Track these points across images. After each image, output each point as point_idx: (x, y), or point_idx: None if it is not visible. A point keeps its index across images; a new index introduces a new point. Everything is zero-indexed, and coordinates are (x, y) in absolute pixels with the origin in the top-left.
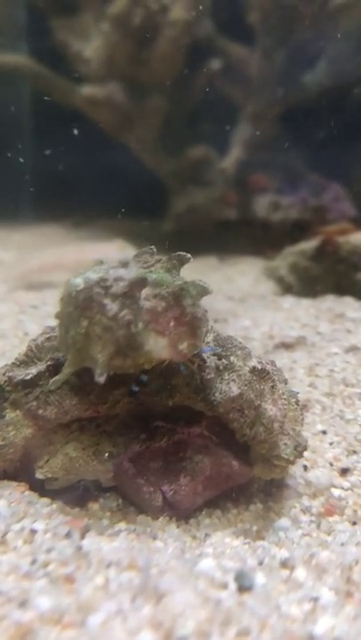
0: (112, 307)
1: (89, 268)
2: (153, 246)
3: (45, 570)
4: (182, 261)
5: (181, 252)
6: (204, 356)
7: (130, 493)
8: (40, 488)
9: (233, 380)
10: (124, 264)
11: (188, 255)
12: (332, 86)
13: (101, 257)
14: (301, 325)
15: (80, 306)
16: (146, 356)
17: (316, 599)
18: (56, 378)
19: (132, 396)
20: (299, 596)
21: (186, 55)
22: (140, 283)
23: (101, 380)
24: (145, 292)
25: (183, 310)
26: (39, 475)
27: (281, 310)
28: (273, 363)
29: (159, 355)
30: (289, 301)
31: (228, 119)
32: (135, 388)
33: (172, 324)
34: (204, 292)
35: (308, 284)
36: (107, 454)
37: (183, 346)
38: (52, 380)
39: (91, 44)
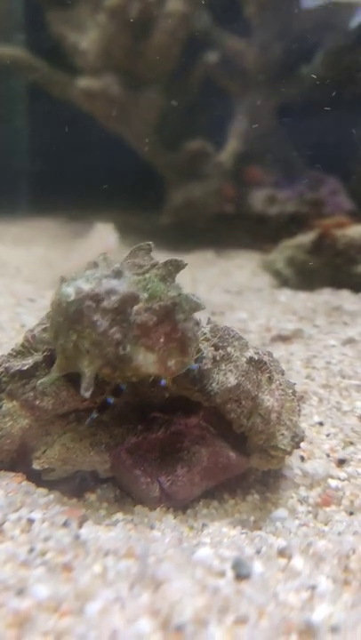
0: (102, 322)
1: (82, 273)
2: (150, 242)
3: (43, 558)
4: (178, 268)
5: (177, 258)
6: (201, 346)
7: (127, 484)
8: (37, 479)
9: (230, 371)
10: (118, 273)
11: (185, 262)
12: (329, 79)
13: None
14: (298, 318)
15: (70, 318)
16: (134, 371)
17: (313, 587)
18: (43, 380)
19: (103, 410)
20: (296, 585)
21: (182, 48)
22: (132, 299)
23: (87, 394)
24: (137, 305)
25: (174, 326)
26: (36, 465)
27: (278, 303)
28: (270, 354)
29: (147, 370)
30: (286, 294)
31: (225, 112)
32: (110, 400)
33: (162, 339)
34: (197, 307)
35: (305, 277)
36: (103, 445)
37: (172, 363)
38: (39, 382)
39: (87, 36)
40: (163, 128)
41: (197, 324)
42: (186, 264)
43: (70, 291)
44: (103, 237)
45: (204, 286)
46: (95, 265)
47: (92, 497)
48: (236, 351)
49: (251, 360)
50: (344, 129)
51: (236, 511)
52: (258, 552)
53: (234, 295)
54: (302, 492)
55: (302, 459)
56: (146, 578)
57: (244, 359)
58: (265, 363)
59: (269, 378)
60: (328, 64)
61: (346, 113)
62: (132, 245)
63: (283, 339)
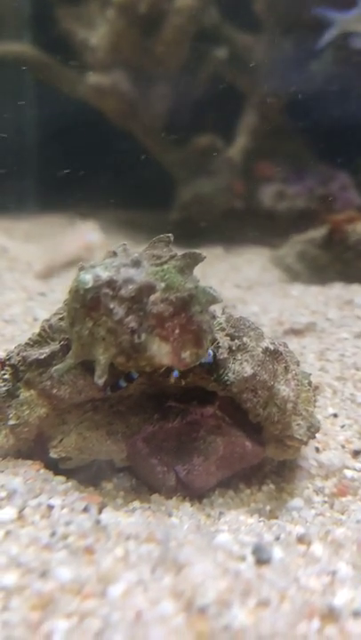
0: (118, 310)
1: (101, 261)
2: (170, 234)
3: (65, 542)
4: (196, 260)
5: (196, 251)
6: (217, 336)
7: (143, 473)
8: (54, 467)
9: (246, 361)
10: (136, 262)
11: (203, 254)
12: (338, 74)
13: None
14: (311, 312)
15: (86, 305)
16: (148, 360)
17: (333, 573)
18: (59, 366)
19: (115, 390)
20: (317, 570)
21: (192, 43)
22: (149, 288)
23: (100, 382)
24: (154, 295)
25: (190, 318)
26: (53, 454)
27: (289, 297)
28: (285, 344)
29: (161, 360)
30: (297, 289)
31: (234, 108)
32: (123, 384)
33: (177, 331)
34: (214, 300)
35: (315, 271)
36: (120, 434)
37: (186, 354)
38: (54, 369)
39: (96, 32)
40: (172, 124)
41: (213, 317)
42: (204, 257)
43: (88, 278)
44: (82, 235)
45: (214, 281)
46: (114, 254)
47: (108, 486)
48: (251, 341)
49: (267, 350)
50: (354, 124)
51: (251, 501)
52: (277, 538)
53: (245, 290)
54: (318, 482)
55: (317, 450)
56: (167, 561)
57: (260, 349)
58: (281, 353)
59: (285, 368)
60: (338, 59)
61: (356, 108)
62: (122, 242)
63: (295, 332)
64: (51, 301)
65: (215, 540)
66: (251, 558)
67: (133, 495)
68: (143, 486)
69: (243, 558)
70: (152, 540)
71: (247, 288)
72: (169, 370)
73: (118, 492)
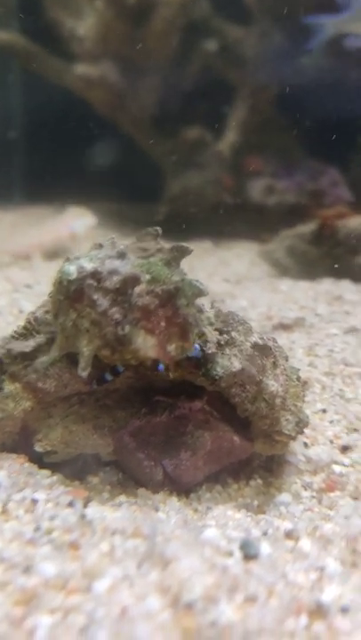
0: (103, 302)
1: (86, 253)
2: (158, 228)
3: (49, 537)
4: (183, 253)
5: (183, 244)
6: (205, 330)
7: (130, 467)
8: (39, 461)
9: (235, 355)
10: (122, 254)
11: (190, 248)
12: (329, 68)
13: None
14: (300, 307)
15: (70, 297)
16: (133, 353)
17: (322, 569)
18: (43, 359)
19: (101, 384)
20: (305, 566)
21: (181, 35)
22: (134, 280)
23: (84, 374)
24: (139, 287)
25: (176, 311)
26: (38, 448)
27: (278, 292)
28: (274, 339)
29: (146, 353)
30: (286, 283)
31: (224, 101)
32: (108, 377)
33: (162, 323)
34: (200, 293)
35: (304, 267)
36: (107, 428)
37: (172, 347)
38: (39, 361)
39: (84, 22)
40: (161, 116)
41: (200, 310)
42: (191, 250)
43: (72, 269)
44: (66, 224)
45: (202, 275)
46: (100, 246)
47: (94, 480)
48: (240, 336)
49: (255, 345)
50: (345, 119)
51: (239, 495)
52: (265, 534)
53: (233, 284)
54: (306, 477)
55: (306, 445)
56: (154, 556)
57: (249, 344)
58: (270, 348)
59: (274, 363)
60: (329, 53)
61: (346, 102)
62: (111, 233)
63: (284, 327)
64: (36, 293)
65: (202, 536)
66: (238, 554)
67: (120, 489)
68: (130, 481)
69: (230, 554)
70: (138, 534)
71: (236, 282)
72: (155, 363)
73: (104, 487)
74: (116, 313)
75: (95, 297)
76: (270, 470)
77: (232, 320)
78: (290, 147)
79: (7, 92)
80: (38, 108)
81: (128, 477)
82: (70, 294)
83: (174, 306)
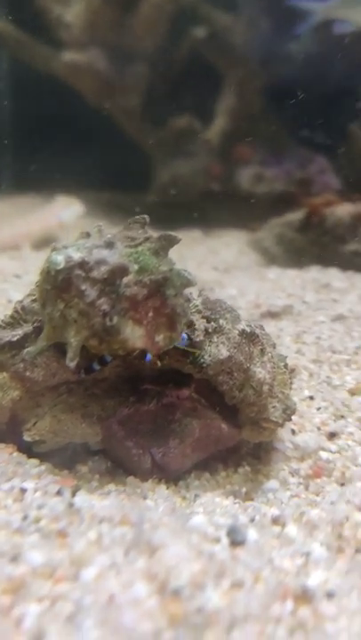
0: (90, 292)
1: (73, 242)
2: (146, 216)
3: (37, 525)
4: (171, 243)
5: (171, 233)
6: (193, 318)
7: (119, 456)
8: (28, 451)
9: (222, 343)
10: (110, 244)
11: (178, 237)
12: (318, 55)
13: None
14: (287, 295)
15: (58, 286)
16: (121, 344)
17: (308, 554)
18: (30, 349)
19: (89, 373)
20: (291, 551)
21: (170, 22)
22: (122, 270)
23: (72, 364)
24: (127, 277)
25: (164, 301)
26: (27, 437)
27: (267, 280)
28: (262, 327)
29: (134, 344)
30: (275, 272)
31: (213, 88)
32: (96, 367)
33: (150, 314)
34: (188, 283)
35: (293, 255)
36: (95, 417)
37: (160, 338)
38: (25, 351)
39: (72, 9)
40: (149, 104)
41: (188, 300)
42: (179, 239)
43: (60, 259)
44: (53, 213)
45: (191, 264)
46: (88, 235)
47: (83, 469)
48: (228, 323)
49: (243, 332)
50: (333, 107)
51: (227, 483)
52: (252, 520)
53: (222, 272)
54: (293, 464)
55: (293, 432)
56: (141, 544)
57: (236, 331)
58: (257, 335)
59: (261, 350)
60: (318, 39)
61: (336, 90)
62: (100, 222)
63: (272, 315)
64: (25, 283)
65: (190, 523)
66: (225, 540)
67: (109, 478)
68: (118, 469)
69: (217, 540)
70: (126, 522)
71: (224, 271)
72: (142, 353)
73: (93, 475)
74: (104, 303)
75: (83, 287)
76: (258, 457)
77: (220, 308)
78: (278, 134)
79: None
80: (26, 96)
81: (117, 466)
82: (58, 284)
83: (163, 296)
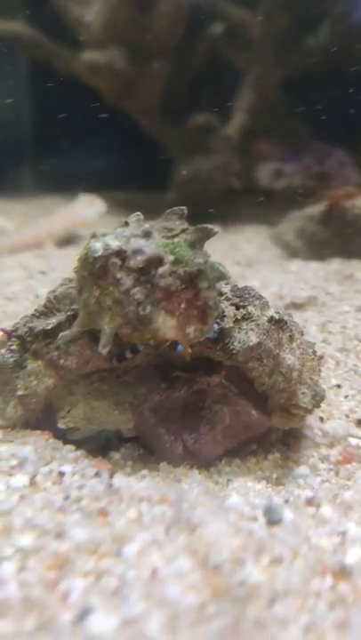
0: (126, 281)
1: (113, 230)
2: (184, 207)
3: (79, 505)
4: (208, 235)
5: (208, 225)
6: (222, 306)
7: (151, 442)
8: (62, 438)
9: (252, 330)
10: (147, 234)
11: (215, 229)
12: (336, 50)
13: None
14: (311, 287)
15: (95, 273)
16: (152, 333)
17: (344, 533)
18: (64, 333)
19: (121, 361)
20: (327, 530)
21: (188, 19)
22: (158, 260)
23: (104, 351)
24: (162, 267)
25: (197, 293)
26: (61, 424)
27: (289, 273)
28: (290, 314)
29: (165, 334)
30: (297, 264)
31: (231, 85)
32: (128, 355)
33: (183, 305)
34: (222, 276)
35: (314, 248)
36: (127, 404)
37: (190, 330)
38: (60, 335)
39: (90, 8)
40: (168, 102)
41: (220, 293)
42: (216, 231)
43: (98, 246)
44: (77, 210)
45: (213, 259)
46: (126, 224)
47: (116, 455)
48: (256, 310)
49: (272, 319)
50: (352, 100)
51: (258, 469)
52: (286, 501)
53: (244, 267)
54: (323, 450)
55: (321, 419)
56: (181, 521)
57: (265, 318)
58: (286, 322)
59: (290, 337)
60: (335, 33)
61: (353, 84)
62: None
63: (296, 306)
64: (51, 279)
65: (227, 502)
66: (262, 519)
67: (141, 464)
68: (151, 456)
69: (254, 519)
70: (165, 501)
71: (247, 265)
72: (173, 344)
73: (126, 462)
74: (138, 293)
75: (119, 275)
76: (287, 444)
77: (248, 295)
78: (297, 130)
79: (15, 81)
80: (47, 97)
81: (149, 453)
82: (95, 271)
83: (196, 288)
